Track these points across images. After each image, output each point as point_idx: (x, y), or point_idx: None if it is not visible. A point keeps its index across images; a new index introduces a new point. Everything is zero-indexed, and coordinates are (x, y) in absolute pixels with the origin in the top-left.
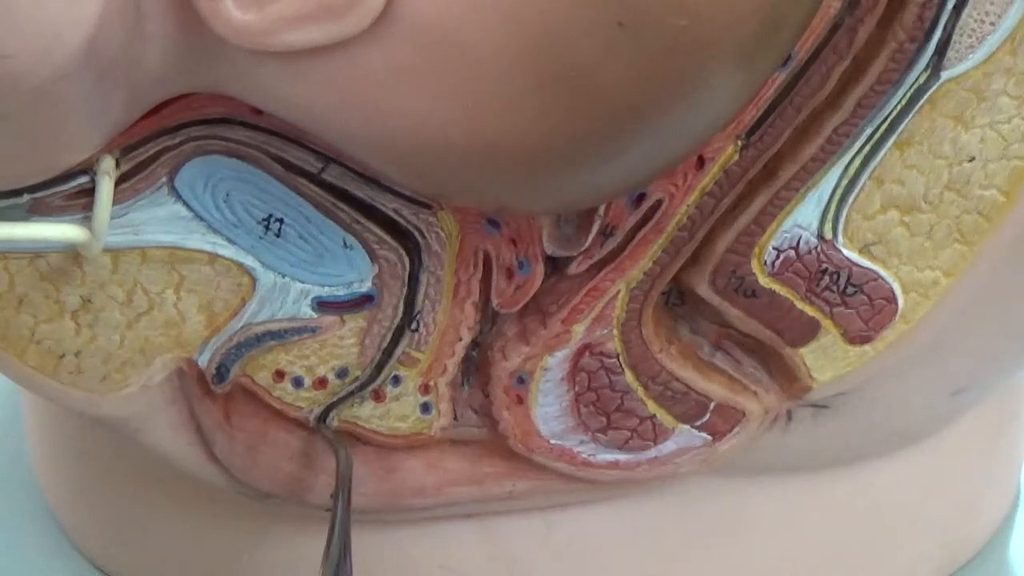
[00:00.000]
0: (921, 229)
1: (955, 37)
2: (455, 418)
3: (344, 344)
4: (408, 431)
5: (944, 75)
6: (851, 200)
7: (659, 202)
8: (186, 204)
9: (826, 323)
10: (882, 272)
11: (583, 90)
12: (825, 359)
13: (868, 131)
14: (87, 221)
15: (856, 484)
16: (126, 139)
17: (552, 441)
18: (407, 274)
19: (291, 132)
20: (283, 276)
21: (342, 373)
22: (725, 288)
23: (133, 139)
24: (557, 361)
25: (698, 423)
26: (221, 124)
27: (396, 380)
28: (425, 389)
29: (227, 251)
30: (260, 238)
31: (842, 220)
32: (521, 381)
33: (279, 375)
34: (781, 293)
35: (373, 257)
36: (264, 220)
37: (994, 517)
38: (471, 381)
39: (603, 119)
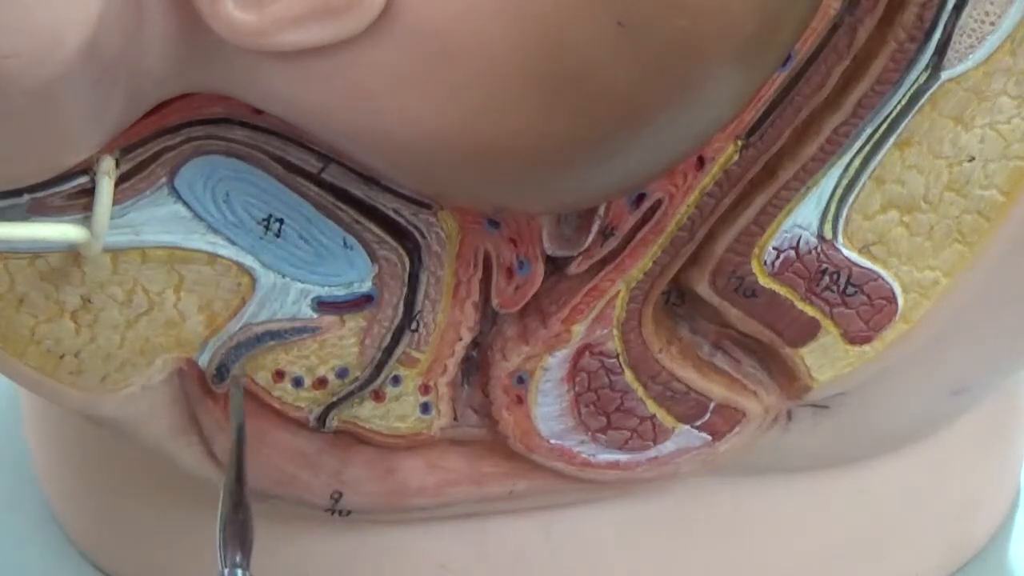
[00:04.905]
0: (921, 229)
1: (955, 37)
2: (455, 418)
3: (344, 344)
4: (408, 431)
5: (944, 75)
6: (851, 200)
7: (659, 202)
8: (186, 204)
9: (826, 323)
10: (882, 272)
11: (583, 90)
12: (825, 359)
13: (868, 131)
14: (87, 221)
15: (856, 484)
16: (126, 139)
17: (552, 441)
18: (407, 274)
19: (291, 132)
20: (283, 276)
21: (342, 373)
22: (725, 288)
23: (133, 139)
24: (557, 361)
25: (698, 423)
26: (221, 124)
27: (396, 380)
28: (425, 389)
29: (227, 251)
30: (260, 238)
31: (842, 220)
32: (521, 381)
33: (279, 375)
34: (781, 293)
35: (373, 257)
36: (264, 220)
37: (994, 517)
38: (471, 381)
39: (603, 119)
